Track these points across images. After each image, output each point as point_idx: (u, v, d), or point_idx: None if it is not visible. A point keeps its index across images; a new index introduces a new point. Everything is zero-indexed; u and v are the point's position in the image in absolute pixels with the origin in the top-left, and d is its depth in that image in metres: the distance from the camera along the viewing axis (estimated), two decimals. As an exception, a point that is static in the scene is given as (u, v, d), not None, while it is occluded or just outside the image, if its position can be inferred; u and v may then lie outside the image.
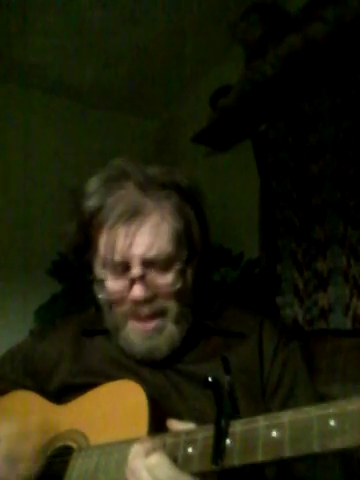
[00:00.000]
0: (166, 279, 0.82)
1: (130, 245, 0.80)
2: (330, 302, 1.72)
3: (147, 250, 0.80)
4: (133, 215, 0.81)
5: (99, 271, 0.85)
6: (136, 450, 0.62)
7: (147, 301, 0.81)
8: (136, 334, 0.84)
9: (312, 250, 1.82)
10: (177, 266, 0.83)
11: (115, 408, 0.76)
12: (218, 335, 0.90)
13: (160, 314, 0.83)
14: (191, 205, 0.87)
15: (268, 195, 2.05)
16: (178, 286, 0.83)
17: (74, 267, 2.10)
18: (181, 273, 0.83)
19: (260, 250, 2.08)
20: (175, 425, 0.66)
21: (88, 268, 0.90)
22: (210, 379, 0.61)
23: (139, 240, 0.80)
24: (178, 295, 0.84)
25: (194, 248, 0.87)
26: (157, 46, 2.34)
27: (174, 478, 0.58)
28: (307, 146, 1.88)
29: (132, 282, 0.81)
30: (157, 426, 0.67)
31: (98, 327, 0.93)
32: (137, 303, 0.81)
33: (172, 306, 0.84)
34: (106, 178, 0.85)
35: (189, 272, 0.86)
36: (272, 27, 1.88)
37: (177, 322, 0.84)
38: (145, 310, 0.82)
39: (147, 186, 0.84)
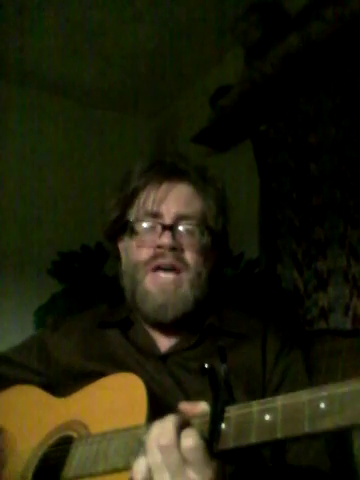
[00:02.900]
0: (192, 235, 0.91)
1: (165, 198, 0.91)
2: (330, 302, 1.72)
3: (182, 207, 0.91)
4: (175, 176, 0.92)
5: (133, 220, 0.93)
6: (167, 425, 0.59)
7: (171, 250, 0.87)
8: (155, 285, 0.88)
9: (312, 250, 1.82)
10: (202, 229, 0.92)
11: (115, 400, 0.77)
12: (224, 336, 0.92)
13: (179, 269, 0.88)
14: (222, 203, 0.98)
15: (268, 195, 2.05)
16: (197, 248, 0.90)
17: (74, 267, 2.10)
18: (201, 239, 0.91)
19: (260, 250, 2.08)
20: (188, 407, 0.65)
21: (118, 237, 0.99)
22: (206, 366, 0.63)
23: (177, 196, 0.91)
24: (199, 256, 0.90)
25: (216, 236, 0.95)
26: (157, 46, 2.34)
27: (204, 460, 0.57)
28: (307, 146, 1.88)
29: (163, 230, 0.88)
30: (155, 418, 0.67)
31: (112, 320, 0.97)
32: (163, 248, 0.88)
33: (192, 264, 0.89)
34: (151, 164, 0.96)
35: (208, 249, 0.93)
36: (272, 27, 1.88)
37: (192, 286, 0.89)
38: (167, 258, 0.88)
39: (181, 166, 0.95)
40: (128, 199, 0.95)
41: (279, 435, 0.53)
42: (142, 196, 0.93)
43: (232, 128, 2.19)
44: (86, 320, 1.02)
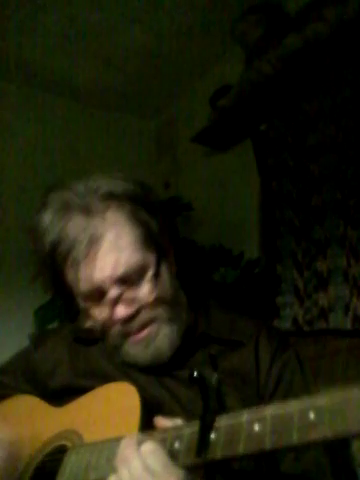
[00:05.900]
0: (143, 290, 0.81)
1: (94, 271, 0.79)
2: (330, 302, 1.72)
3: (113, 269, 0.79)
4: (88, 242, 0.79)
5: (81, 303, 0.85)
6: (127, 440, 0.62)
7: (133, 317, 0.81)
8: (134, 348, 0.83)
9: (312, 250, 1.82)
10: (150, 272, 0.82)
11: (109, 408, 0.77)
12: (216, 343, 0.90)
13: (150, 322, 0.83)
14: (144, 208, 0.85)
15: (268, 195, 2.06)
16: (156, 293, 0.82)
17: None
18: (156, 278, 0.82)
19: (260, 250, 2.08)
20: (162, 422, 0.67)
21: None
22: (196, 374, 0.62)
23: (102, 263, 0.79)
24: (161, 299, 0.83)
25: (162, 247, 0.86)
26: (157, 46, 2.34)
27: (168, 467, 0.58)
28: (307, 146, 1.88)
29: (114, 304, 0.80)
30: (148, 426, 0.68)
31: (91, 336, 0.93)
32: (124, 322, 0.81)
33: (160, 312, 0.83)
34: (53, 211, 0.84)
35: (165, 272, 0.85)
36: (272, 27, 1.88)
37: (170, 321, 0.84)
38: (135, 325, 0.81)
39: (91, 207, 0.81)
40: (57, 268, 0.84)
41: (267, 446, 0.52)
42: (69, 273, 0.82)
43: (232, 128, 2.19)
44: (68, 334, 0.99)
